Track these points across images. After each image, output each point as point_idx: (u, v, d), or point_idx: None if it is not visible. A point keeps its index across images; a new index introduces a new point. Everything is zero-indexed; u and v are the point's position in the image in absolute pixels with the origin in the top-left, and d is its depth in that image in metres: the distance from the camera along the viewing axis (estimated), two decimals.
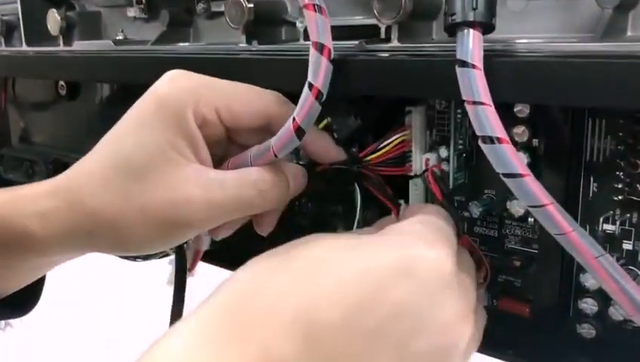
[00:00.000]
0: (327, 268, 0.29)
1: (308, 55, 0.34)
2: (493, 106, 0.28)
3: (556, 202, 0.28)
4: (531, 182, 0.28)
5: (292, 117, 0.34)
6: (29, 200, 0.37)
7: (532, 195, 0.28)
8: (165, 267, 0.47)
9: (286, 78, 0.39)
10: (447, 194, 0.36)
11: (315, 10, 0.33)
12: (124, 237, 0.35)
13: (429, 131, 0.38)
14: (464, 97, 0.29)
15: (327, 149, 0.39)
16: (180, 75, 0.36)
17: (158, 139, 0.34)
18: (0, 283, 0.40)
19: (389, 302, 0.27)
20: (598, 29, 0.30)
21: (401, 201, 0.38)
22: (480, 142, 0.28)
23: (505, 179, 0.28)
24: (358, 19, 0.41)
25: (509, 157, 0.28)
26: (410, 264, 0.28)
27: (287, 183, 0.37)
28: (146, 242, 0.36)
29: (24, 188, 0.38)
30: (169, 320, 0.43)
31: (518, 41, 0.32)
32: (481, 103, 0.28)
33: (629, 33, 0.31)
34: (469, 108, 0.29)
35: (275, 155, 0.35)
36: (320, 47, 0.33)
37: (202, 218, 0.35)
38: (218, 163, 0.38)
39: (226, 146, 0.39)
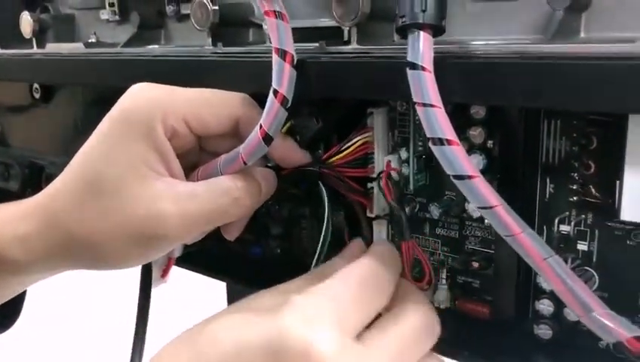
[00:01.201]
0: (211, 348, 0.29)
1: (271, 57, 0.34)
2: (442, 108, 0.28)
3: (506, 204, 0.28)
4: (480, 184, 0.28)
5: (259, 124, 0.34)
6: (7, 225, 0.37)
7: (481, 197, 0.28)
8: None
9: (251, 80, 0.39)
10: (398, 198, 0.36)
11: (277, 17, 0.33)
12: (101, 254, 0.35)
13: (390, 133, 0.38)
14: (414, 99, 0.29)
15: (293, 154, 0.39)
16: (146, 88, 0.36)
17: (129, 156, 0.34)
18: None
19: None
20: (549, 30, 0.30)
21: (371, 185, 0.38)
22: (430, 144, 0.29)
23: (455, 181, 0.28)
24: (323, 21, 0.41)
25: (458, 159, 0.28)
26: (279, 345, 0.27)
27: (259, 188, 0.37)
28: (124, 257, 0.36)
29: (2, 209, 0.38)
30: (132, 338, 0.43)
31: (473, 43, 0.33)
32: (431, 105, 0.28)
33: (582, 34, 0.31)
34: (419, 109, 0.29)
35: (245, 163, 0.35)
36: (282, 54, 0.33)
37: (178, 231, 0.35)
38: (189, 171, 0.38)
39: (199, 155, 0.39)
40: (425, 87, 0.28)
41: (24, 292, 0.45)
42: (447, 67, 0.30)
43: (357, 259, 0.33)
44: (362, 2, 0.35)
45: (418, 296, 0.33)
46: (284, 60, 0.33)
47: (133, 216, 0.34)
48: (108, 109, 0.37)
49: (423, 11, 0.28)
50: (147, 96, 0.36)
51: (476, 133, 0.33)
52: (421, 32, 0.29)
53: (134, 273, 0.45)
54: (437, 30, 0.29)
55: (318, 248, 0.39)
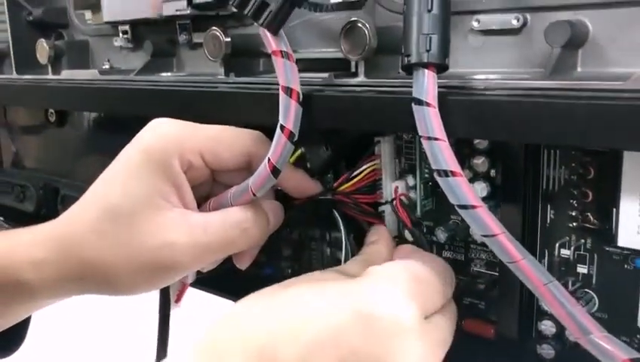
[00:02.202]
0: (296, 307, 0.31)
1: None
2: (447, 141, 0.30)
3: (507, 232, 0.29)
4: (483, 213, 0.29)
5: (267, 157, 0.35)
6: (22, 248, 0.38)
7: (484, 225, 0.29)
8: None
9: (262, 110, 0.40)
10: (415, 222, 0.37)
11: (283, 57, 0.35)
12: (114, 281, 0.37)
13: (397, 160, 0.40)
14: (420, 133, 0.30)
15: (303, 184, 0.41)
16: (165, 123, 0.38)
17: (145, 188, 0.36)
18: None
19: (344, 346, 0.29)
20: (547, 65, 0.32)
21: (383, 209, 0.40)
22: (435, 175, 0.30)
23: (459, 210, 0.30)
24: (331, 52, 0.42)
25: (462, 190, 0.30)
26: (370, 312, 0.30)
27: (267, 220, 0.39)
28: (136, 285, 0.37)
29: (19, 234, 0.40)
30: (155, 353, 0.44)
31: (474, 77, 0.34)
32: (436, 139, 0.30)
33: (579, 69, 0.33)
34: (424, 143, 0.30)
35: (254, 195, 0.37)
36: (289, 91, 0.35)
37: (188, 260, 0.36)
38: (202, 200, 0.39)
39: (211, 186, 0.41)
40: (430, 121, 0.30)
41: (29, 317, 0.47)
42: (451, 102, 0.31)
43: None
44: (369, 37, 0.37)
45: None
46: (291, 97, 0.35)
47: (147, 245, 0.36)
48: (120, 134, 0.39)
49: (428, 51, 0.30)
50: (166, 131, 0.37)
51: (479, 163, 0.35)
52: (426, 70, 0.30)
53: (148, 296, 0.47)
54: (441, 68, 0.31)
55: None
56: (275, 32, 0.36)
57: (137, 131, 0.39)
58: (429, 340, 0.32)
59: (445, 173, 0.30)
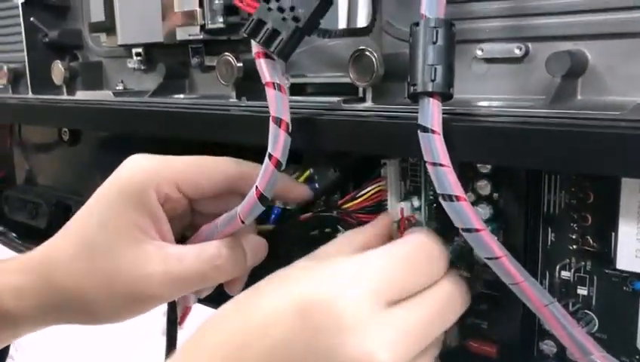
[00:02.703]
0: (257, 297, 0.33)
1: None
2: (451, 167, 0.31)
3: (509, 254, 0.31)
4: (486, 236, 0.31)
5: (255, 186, 0.37)
6: (5, 276, 0.40)
7: (487, 248, 0.31)
8: (160, 318, 0.49)
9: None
10: None
11: (275, 88, 0.36)
12: (92, 310, 0.38)
13: (402, 182, 0.41)
14: (425, 158, 0.32)
15: (290, 189, 0.42)
16: (141, 158, 0.40)
17: (123, 222, 0.38)
18: None
19: (274, 336, 0.30)
20: (548, 94, 0.33)
21: None
22: (440, 200, 0.31)
23: (463, 233, 0.31)
24: (339, 77, 0.44)
25: (466, 214, 0.31)
26: (305, 300, 0.30)
27: (243, 256, 0.40)
28: (114, 314, 0.39)
29: (5, 262, 0.41)
30: None
31: (478, 103, 0.36)
32: (441, 165, 0.31)
33: (578, 97, 0.34)
34: (430, 168, 0.31)
35: (243, 222, 0.38)
36: (278, 121, 0.36)
37: (163, 291, 0.38)
38: (187, 231, 0.41)
39: (191, 216, 0.42)
40: (435, 148, 0.31)
41: (7, 347, 0.48)
42: (455, 129, 0.33)
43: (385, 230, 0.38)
44: (377, 65, 0.38)
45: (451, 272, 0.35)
46: (280, 127, 0.36)
47: (123, 277, 0.37)
48: (131, 153, 0.40)
49: (433, 81, 0.31)
50: (141, 165, 0.39)
51: (482, 186, 0.36)
52: (431, 99, 0.32)
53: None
54: (445, 96, 0.32)
55: None
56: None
57: (148, 150, 0.41)
58: (386, 331, 0.29)
59: (450, 198, 0.31)
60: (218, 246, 0.39)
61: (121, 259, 0.37)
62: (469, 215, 0.31)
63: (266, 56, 0.37)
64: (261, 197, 0.36)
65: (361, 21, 0.43)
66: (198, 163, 0.40)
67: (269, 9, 0.36)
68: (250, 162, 0.41)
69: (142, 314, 0.40)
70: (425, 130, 0.31)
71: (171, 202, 0.39)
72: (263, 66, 0.37)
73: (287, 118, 0.36)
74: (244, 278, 0.43)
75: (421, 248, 0.34)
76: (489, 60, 0.37)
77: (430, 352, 0.33)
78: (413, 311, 0.31)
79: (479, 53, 0.37)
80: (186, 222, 0.42)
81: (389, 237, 0.39)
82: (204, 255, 0.38)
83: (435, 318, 0.32)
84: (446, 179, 0.31)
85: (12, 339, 0.44)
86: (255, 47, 0.37)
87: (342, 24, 0.44)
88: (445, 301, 0.33)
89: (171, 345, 0.46)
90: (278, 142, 0.36)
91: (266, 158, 0.36)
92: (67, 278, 0.38)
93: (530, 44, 0.35)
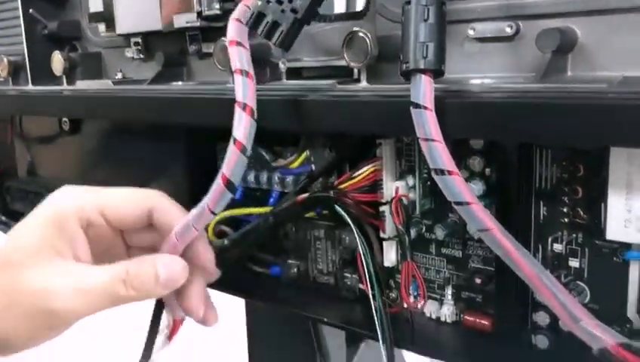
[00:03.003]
0: None
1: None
2: (443, 142, 0.32)
3: (501, 226, 0.31)
4: (478, 209, 0.31)
5: (220, 172, 0.37)
6: None
7: (479, 220, 0.31)
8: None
9: (268, 116, 0.42)
10: (405, 222, 0.39)
11: (242, 75, 0.37)
12: (4, 333, 0.38)
13: (398, 161, 0.42)
14: (418, 135, 0.32)
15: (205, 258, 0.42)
16: (70, 188, 0.42)
17: (36, 242, 0.39)
18: None
19: None
20: (539, 70, 0.34)
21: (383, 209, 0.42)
22: (433, 174, 0.32)
23: (455, 207, 0.32)
24: (335, 60, 0.44)
25: (457, 188, 0.31)
26: None
27: (153, 276, 0.39)
28: (24, 335, 0.38)
29: None
30: None
31: (471, 81, 0.36)
32: (433, 140, 0.32)
33: (569, 73, 0.35)
34: (422, 144, 0.32)
35: (213, 213, 0.38)
36: (243, 106, 0.37)
37: (70, 306, 0.38)
38: (118, 258, 0.41)
39: (121, 246, 0.43)
40: (427, 124, 0.32)
41: None
42: (447, 105, 0.33)
43: None
44: (371, 46, 0.39)
45: None
46: (244, 111, 0.37)
47: (27, 290, 0.38)
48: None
49: (424, 58, 0.32)
50: (68, 194, 0.41)
51: (475, 162, 0.37)
52: (423, 76, 0.32)
53: None
54: (437, 73, 0.33)
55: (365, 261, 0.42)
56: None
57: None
58: None
59: (442, 172, 0.32)
60: (126, 263, 0.39)
61: (28, 275, 0.38)
62: (460, 188, 0.31)
63: (238, 44, 0.38)
64: (228, 184, 0.36)
65: (359, 5, 0.43)
66: (124, 195, 0.42)
67: (268, 1, 0.37)
68: (180, 206, 0.41)
69: (55, 335, 0.40)
70: (417, 106, 0.32)
71: (94, 228, 0.41)
72: (232, 54, 0.38)
73: (252, 103, 0.37)
74: (199, 293, 0.42)
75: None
76: (481, 40, 0.37)
77: None
78: None
79: (471, 32, 0.38)
80: (120, 251, 0.43)
81: None
82: (110, 270, 0.39)
83: None
84: (438, 154, 0.32)
85: None
86: (229, 34, 0.38)
87: (338, 9, 0.45)
88: None
89: (147, 354, 0.47)
90: (241, 127, 0.36)
91: (230, 143, 0.37)
92: None
93: (520, 23, 0.36)
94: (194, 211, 0.39)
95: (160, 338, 0.47)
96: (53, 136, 0.71)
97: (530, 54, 0.36)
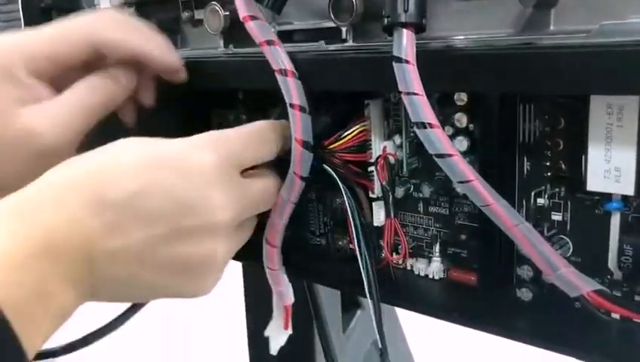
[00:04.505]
0: (122, 156, 0.35)
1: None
2: (424, 96, 0.32)
3: (481, 178, 0.32)
4: (458, 161, 0.32)
5: (293, 138, 0.39)
6: None
7: (459, 172, 0.32)
8: None
9: (258, 76, 0.43)
10: (389, 180, 0.40)
11: (269, 45, 0.39)
12: None
13: (386, 121, 0.42)
14: (400, 89, 0.33)
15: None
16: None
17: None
18: None
19: (161, 189, 0.34)
20: (520, 24, 0.34)
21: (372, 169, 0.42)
22: (414, 128, 0.33)
23: (436, 159, 0.32)
24: (324, 22, 0.45)
25: (439, 140, 0.32)
26: (179, 160, 0.35)
27: (117, 78, 0.44)
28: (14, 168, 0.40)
29: None
30: None
31: (452, 38, 0.37)
32: (415, 94, 0.32)
33: (551, 27, 0.35)
34: (404, 98, 0.33)
35: (301, 178, 0.40)
36: (284, 72, 0.38)
37: (47, 124, 0.39)
38: None
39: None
40: (408, 77, 0.32)
41: None
42: (429, 59, 0.34)
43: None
44: (356, 3, 0.39)
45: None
46: (287, 76, 0.38)
47: (9, 131, 0.39)
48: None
49: (405, 11, 0.32)
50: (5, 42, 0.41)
51: (459, 118, 0.37)
52: (404, 30, 0.33)
53: None
54: (418, 28, 0.33)
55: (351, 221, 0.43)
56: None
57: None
58: (235, 190, 0.36)
59: (423, 125, 0.32)
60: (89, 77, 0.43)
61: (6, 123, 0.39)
62: (441, 141, 0.32)
63: (253, 18, 0.39)
64: (304, 144, 0.38)
65: None
66: (62, 29, 0.42)
67: None
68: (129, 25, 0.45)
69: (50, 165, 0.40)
70: (399, 60, 0.33)
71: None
72: (252, 29, 0.39)
73: (289, 66, 0.38)
74: (130, 107, 0.47)
75: (261, 130, 0.40)
76: None
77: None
78: (253, 182, 0.39)
79: None
80: None
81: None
82: (80, 84, 0.42)
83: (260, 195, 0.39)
84: (419, 107, 0.32)
85: None
86: (240, 11, 0.39)
87: None
88: (266, 181, 0.40)
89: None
90: (291, 90, 0.38)
91: (289, 109, 0.38)
92: None
93: None
94: (284, 185, 0.41)
95: (277, 325, 0.48)
96: None
97: (514, 11, 0.36)
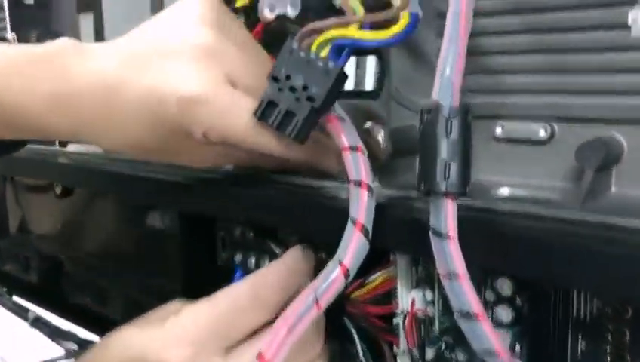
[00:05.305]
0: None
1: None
2: (468, 277, 0.27)
3: None
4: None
5: (350, 218, 0.32)
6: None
7: None
8: None
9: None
10: (421, 344, 0.35)
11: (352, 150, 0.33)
12: None
13: (414, 268, 0.37)
14: (438, 269, 0.28)
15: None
16: None
17: None
18: None
19: None
20: (576, 180, 0.29)
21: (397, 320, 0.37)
22: (456, 317, 0.27)
23: (483, 357, 0.27)
24: None
25: (486, 336, 0.27)
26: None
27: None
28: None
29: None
30: None
31: (499, 191, 0.32)
32: (457, 276, 0.27)
33: (612, 189, 0.30)
34: (444, 281, 0.28)
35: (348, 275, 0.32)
36: (358, 183, 0.32)
37: None
38: None
39: None
40: (449, 257, 0.27)
41: None
42: (473, 230, 0.29)
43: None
44: (384, 144, 0.34)
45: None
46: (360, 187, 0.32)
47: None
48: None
49: (446, 179, 0.28)
50: None
51: (504, 286, 0.32)
52: (445, 199, 0.28)
53: None
54: (460, 194, 0.28)
55: None
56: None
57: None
58: None
59: (468, 316, 0.27)
60: None
61: None
62: (489, 337, 0.27)
63: (340, 119, 0.34)
64: (364, 232, 0.31)
65: (368, 84, 0.39)
66: None
67: (280, 89, 0.33)
68: None
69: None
70: (438, 234, 0.28)
71: None
72: (340, 128, 0.33)
73: (368, 180, 0.32)
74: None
75: (246, 294, 0.36)
76: (510, 140, 0.33)
77: None
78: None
79: (499, 131, 0.33)
80: None
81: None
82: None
83: None
84: (462, 293, 0.27)
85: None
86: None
87: (348, 86, 0.40)
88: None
89: None
90: (360, 206, 0.32)
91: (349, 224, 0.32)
92: None
93: (556, 125, 0.31)
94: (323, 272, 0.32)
95: None
96: (45, 195, 0.67)
97: (567, 163, 0.31)
